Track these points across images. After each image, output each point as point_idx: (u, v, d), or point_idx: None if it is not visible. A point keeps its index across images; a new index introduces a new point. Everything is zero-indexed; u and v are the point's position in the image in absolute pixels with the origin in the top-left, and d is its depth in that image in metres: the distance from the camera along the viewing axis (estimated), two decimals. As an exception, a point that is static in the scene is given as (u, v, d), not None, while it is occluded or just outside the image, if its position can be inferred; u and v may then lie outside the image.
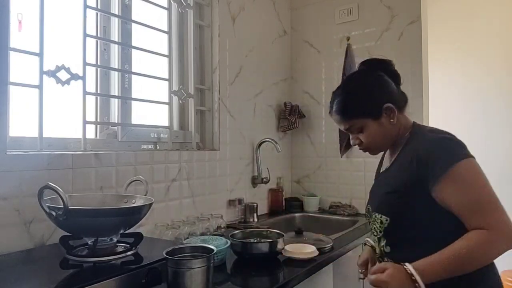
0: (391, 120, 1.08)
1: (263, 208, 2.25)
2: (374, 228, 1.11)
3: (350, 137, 1.18)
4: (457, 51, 3.54)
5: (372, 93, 1.10)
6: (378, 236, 1.10)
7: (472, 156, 0.96)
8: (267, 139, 2.15)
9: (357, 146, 1.17)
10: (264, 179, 2.17)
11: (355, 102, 1.11)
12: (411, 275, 0.90)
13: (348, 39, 2.34)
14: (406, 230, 1.02)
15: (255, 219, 2.00)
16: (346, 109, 1.12)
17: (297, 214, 2.31)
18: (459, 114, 3.52)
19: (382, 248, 1.09)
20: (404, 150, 1.08)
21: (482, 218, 0.90)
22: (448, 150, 0.96)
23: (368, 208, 1.17)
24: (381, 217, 1.06)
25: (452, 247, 0.90)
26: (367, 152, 1.18)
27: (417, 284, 0.90)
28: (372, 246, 1.27)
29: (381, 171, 1.23)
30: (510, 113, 3.35)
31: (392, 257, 1.05)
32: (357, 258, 1.71)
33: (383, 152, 1.26)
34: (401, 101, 1.13)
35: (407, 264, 0.93)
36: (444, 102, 3.53)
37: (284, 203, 2.38)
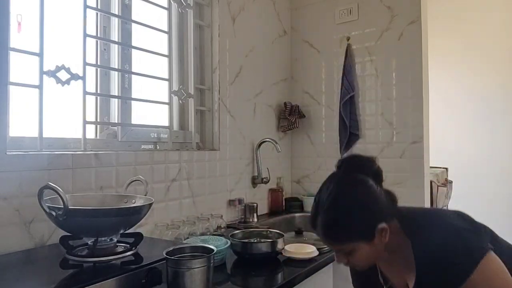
0: (383, 239, 0.94)
1: (263, 208, 2.25)
2: None
3: (335, 255, 1.01)
4: (457, 51, 3.54)
5: (365, 214, 0.94)
6: None
7: (490, 248, 0.86)
8: (267, 139, 2.15)
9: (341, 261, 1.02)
10: (264, 179, 2.17)
11: (347, 225, 0.94)
12: None
13: (348, 39, 2.34)
14: None
15: (255, 219, 2.00)
16: (337, 233, 0.95)
17: (297, 214, 2.31)
18: (459, 114, 3.53)
19: None
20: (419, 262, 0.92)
21: None
22: (464, 246, 0.86)
23: None
24: None
25: None
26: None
27: None
28: None
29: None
30: (511, 113, 3.36)
31: None
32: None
33: None
34: (389, 210, 0.98)
35: None
36: (444, 102, 3.54)
37: (284, 203, 2.38)
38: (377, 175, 1.00)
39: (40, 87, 1.26)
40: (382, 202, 0.96)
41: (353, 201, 0.95)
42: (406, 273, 1.00)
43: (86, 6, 1.41)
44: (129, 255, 0.98)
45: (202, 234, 1.57)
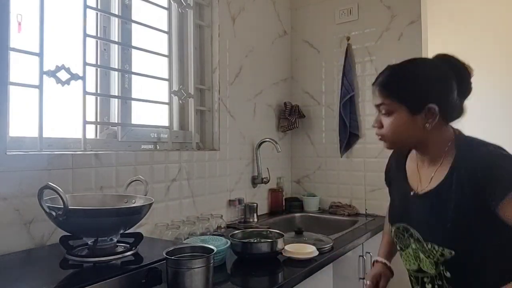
0: (427, 124, 0.96)
1: (263, 208, 2.25)
2: (428, 255, 0.97)
3: (375, 119, 1.04)
4: (457, 51, 3.54)
5: (424, 85, 0.97)
6: (434, 260, 0.96)
7: None
8: (267, 139, 2.15)
9: (375, 129, 1.05)
10: (264, 179, 2.17)
11: (402, 82, 0.99)
12: None
13: (348, 39, 2.34)
14: (472, 262, 0.92)
15: (255, 219, 2.00)
16: (389, 83, 1.00)
17: (297, 214, 2.31)
18: (459, 114, 3.53)
19: (441, 273, 0.96)
20: (458, 168, 0.94)
21: None
22: (509, 169, 0.87)
23: (407, 229, 1.03)
24: (442, 250, 0.94)
25: None
26: (381, 141, 1.04)
27: None
28: (385, 264, 1.20)
29: (422, 187, 1.04)
30: (511, 113, 3.36)
31: (454, 283, 0.95)
32: (357, 258, 1.71)
33: (393, 157, 1.19)
34: (454, 113, 1.00)
35: None
36: (444, 102, 3.54)
37: (284, 203, 2.38)
38: (465, 86, 1.02)
39: (40, 87, 1.26)
40: (449, 96, 0.97)
41: (422, 70, 0.99)
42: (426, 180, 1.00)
43: (86, 6, 1.41)
44: (129, 255, 0.98)
45: (202, 234, 1.57)
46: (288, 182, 2.54)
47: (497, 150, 0.92)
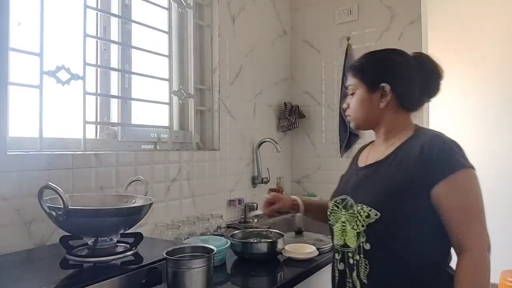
0: (380, 103, 1.06)
1: (263, 208, 2.24)
2: (355, 221, 1.02)
3: (345, 101, 1.17)
4: (457, 51, 3.54)
5: (383, 67, 1.07)
6: (358, 231, 1.01)
7: (473, 167, 0.97)
8: (267, 139, 2.15)
9: (345, 110, 1.17)
10: (264, 179, 2.18)
11: (367, 64, 1.10)
12: None
13: (348, 39, 2.34)
14: (393, 229, 0.97)
15: (255, 219, 2.00)
16: (357, 65, 1.11)
17: (297, 214, 2.31)
18: (459, 114, 3.53)
19: (361, 245, 1.01)
20: (404, 148, 1.03)
21: (467, 226, 0.93)
22: (453, 156, 0.96)
23: (346, 200, 1.07)
24: (370, 210, 0.98)
25: None
26: (350, 122, 1.17)
27: None
28: (295, 200, 1.32)
29: (367, 162, 1.13)
30: (511, 114, 3.35)
31: (371, 256, 0.99)
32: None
33: (362, 146, 1.27)
34: (409, 101, 1.08)
35: None
36: (444, 102, 3.54)
37: (284, 203, 2.38)
38: (433, 84, 1.11)
39: (40, 87, 1.26)
40: (407, 83, 1.06)
41: (386, 55, 1.10)
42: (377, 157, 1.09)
43: (86, 6, 1.41)
44: (129, 255, 0.98)
45: (202, 234, 1.57)
46: (288, 182, 2.54)
47: (450, 140, 1.00)
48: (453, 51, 3.54)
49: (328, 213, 1.14)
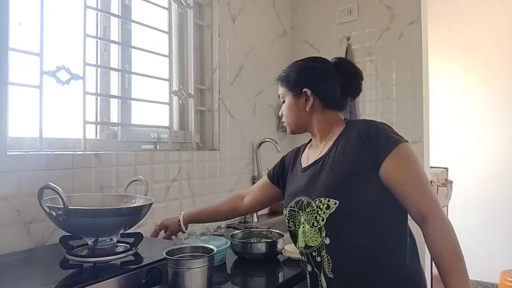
0: (306, 106, 1.15)
1: (263, 208, 2.24)
2: (315, 218, 1.03)
3: (280, 109, 1.25)
4: (457, 51, 3.54)
5: (304, 74, 1.17)
6: (318, 227, 1.03)
7: (407, 141, 1.04)
8: (267, 139, 2.15)
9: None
10: (264, 179, 2.17)
11: (291, 73, 1.19)
12: None
13: (348, 39, 2.34)
14: (354, 214, 1.00)
15: (255, 219, 2.00)
16: (284, 75, 1.21)
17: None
18: (459, 114, 3.53)
19: (322, 240, 1.03)
20: (342, 138, 1.09)
21: (421, 192, 0.99)
22: (389, 134, 1.03)
23: (301, 201, 1.09)
24: (328, 201, 1.00)
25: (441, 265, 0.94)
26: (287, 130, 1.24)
27: None
28: (179, 220, 1.39)
29: (310, 161, 1.16)
30: (510, 112, 3.36)
31: (331, 249, 1.01)
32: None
33: (295, 152, 1.31)
34: (331, 100, 1.16)
35: None
36: (444, 102, 3.54)
37: (284, 203, 2.38)
38: (350, 81, 1.17)
39: (40, 87, 1.26)
40: (326, 85, 1.15)
41: (306, 63, 1.21)
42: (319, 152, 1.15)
43: (86, 6, 1.41)
44: (129, 255, 0.98)
45: (202, 234, 1.57)
46: (288, 182, 2.54)
47: (381, 122, 1.07)
48: (453, 51, 3.54)
49: (286, 220, 1.16)
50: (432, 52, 2.34)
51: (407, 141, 1.04)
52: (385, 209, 1.01)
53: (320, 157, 1.12)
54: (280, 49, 2.50)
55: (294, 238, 1.16)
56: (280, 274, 1.27)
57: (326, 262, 1.02)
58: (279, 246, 1.35)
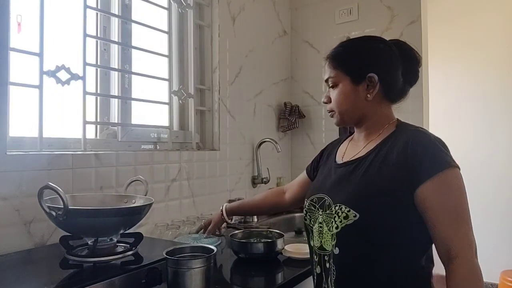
0: (368, 95, 0.98)
1: (263, 208, 2.24)
2: (331, 222, 0.96)
3: (325, 95, 1.08)
4: (457, 51, 3.54)
5: (367, 56, 1.00)
6: (332, 233, 0.95)
7: (459, 167, 0.92)
8: (267, 139, 2.15)
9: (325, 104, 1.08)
10: (264, 179, 2.17)
11: (348, 54, 1.02)
12: None
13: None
14: (371, 233, 0.91)
15: (255, 219, 2.00)
16: (337, 55, 1.03)
17: (297, 214, 2.30)
18: (459, 114, 3.53)
19: (332, 248, 0.96)
20: (386, 144, 0.96)
21: (455, 228, 0.87)
22: (439, 154, 0.90)
23: (323, 200, 1.00)
24: (348, 211, 0.92)
25: None
26: (332, 119, 1.07)
27: None
28: (222, 213, 1.39)
29: (346, 158, 1.05)
30: (510, 112, 3.35)
31: (338, 261, 0.94)
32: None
33: (338, 140, 1.19)
34: (394, 90, 1.02)
35: None
36: (444, 102, 3.54)
37: (284, 203, 2.38)
38: (412, 71, 1.03)
39: (40, 87, 1.26)
40: (392, 73, 1.00)
41: (367, 43, 1.04)
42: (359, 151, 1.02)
43: (86, 6, 1.41)
44: (129, 255, 0.98)
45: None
46: (288, 182, 2.53)
47: (435, 137, 0.94)
48: (453, 51, 3.54)
49: (304, 212, 1.07)
50: (432, 52, 2.34)
51: (458, 167, 0.90)
52: (410, 237, 0.91)
53: (356, 158, 1.00)
54: (280, 49, 2.50)
55: (307, 233, 1.07)
56: (280, 274, 1.27)
57: (332, 271, 0.95)
58: (279, 246, 1.35)
